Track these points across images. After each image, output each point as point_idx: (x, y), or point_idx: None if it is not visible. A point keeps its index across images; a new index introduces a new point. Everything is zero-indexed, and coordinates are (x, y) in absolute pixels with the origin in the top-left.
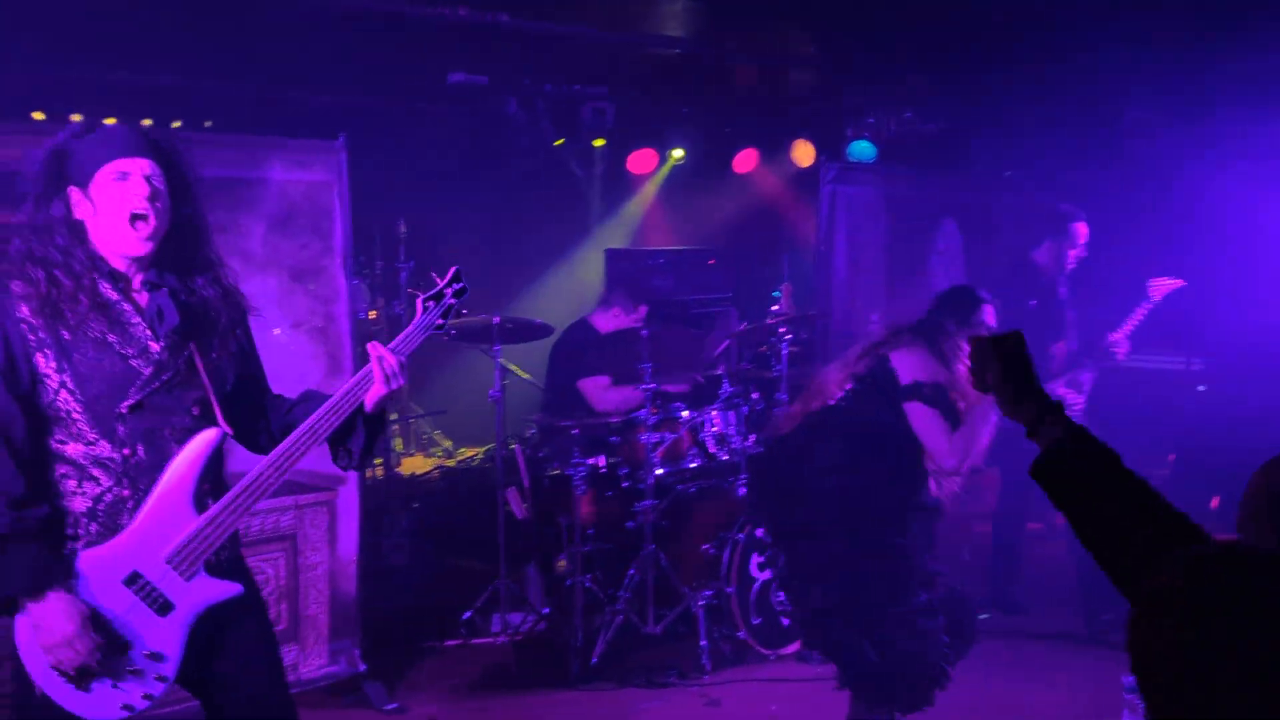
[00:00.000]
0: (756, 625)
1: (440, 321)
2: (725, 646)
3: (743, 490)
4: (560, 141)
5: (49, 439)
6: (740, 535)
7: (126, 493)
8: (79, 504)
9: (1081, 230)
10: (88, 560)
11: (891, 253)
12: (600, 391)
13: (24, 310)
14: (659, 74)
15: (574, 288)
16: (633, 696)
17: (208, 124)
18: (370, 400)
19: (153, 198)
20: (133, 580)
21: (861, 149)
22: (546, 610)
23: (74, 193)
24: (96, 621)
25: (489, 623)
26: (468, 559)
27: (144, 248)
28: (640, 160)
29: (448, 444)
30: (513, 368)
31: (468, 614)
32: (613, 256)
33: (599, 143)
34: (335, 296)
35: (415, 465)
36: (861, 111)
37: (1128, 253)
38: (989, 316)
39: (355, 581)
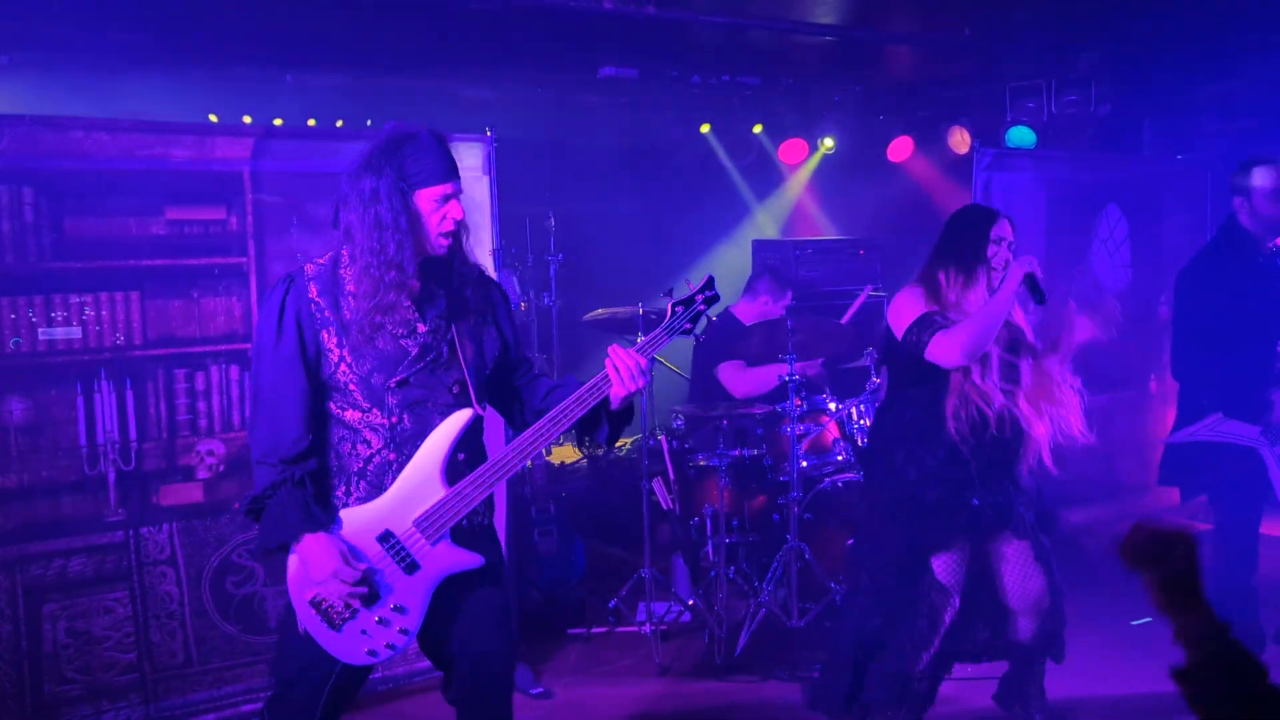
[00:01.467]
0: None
1: (688, 326)
2: None
3: None
4: (706, 127)
5: (329, 404)
6: None
7: (393, 456)
8: (353, 464)
9: (1273, 174)
10: (350, 516)
11: (1051, 240)
12: (734, 373)
13: (313, 290)
14: (810, 62)
15: (723, 278)
16: (776, 689)
17: (369, 122)
18: (614, 397)
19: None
20: (385, 538)
21: (1021, 135)
22: (691, 600)
23: (418, 196)
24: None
25: (634, 611)
26: (614, 548)
27: (441, 252)
28: (791, 150)
29: None
30: (659, 358)
31: (613, 602)
32: (760, 247)
33: (758, 129)
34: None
35: (564, 454)
36: (1021, 95)
37: None
38: (1004, 229)
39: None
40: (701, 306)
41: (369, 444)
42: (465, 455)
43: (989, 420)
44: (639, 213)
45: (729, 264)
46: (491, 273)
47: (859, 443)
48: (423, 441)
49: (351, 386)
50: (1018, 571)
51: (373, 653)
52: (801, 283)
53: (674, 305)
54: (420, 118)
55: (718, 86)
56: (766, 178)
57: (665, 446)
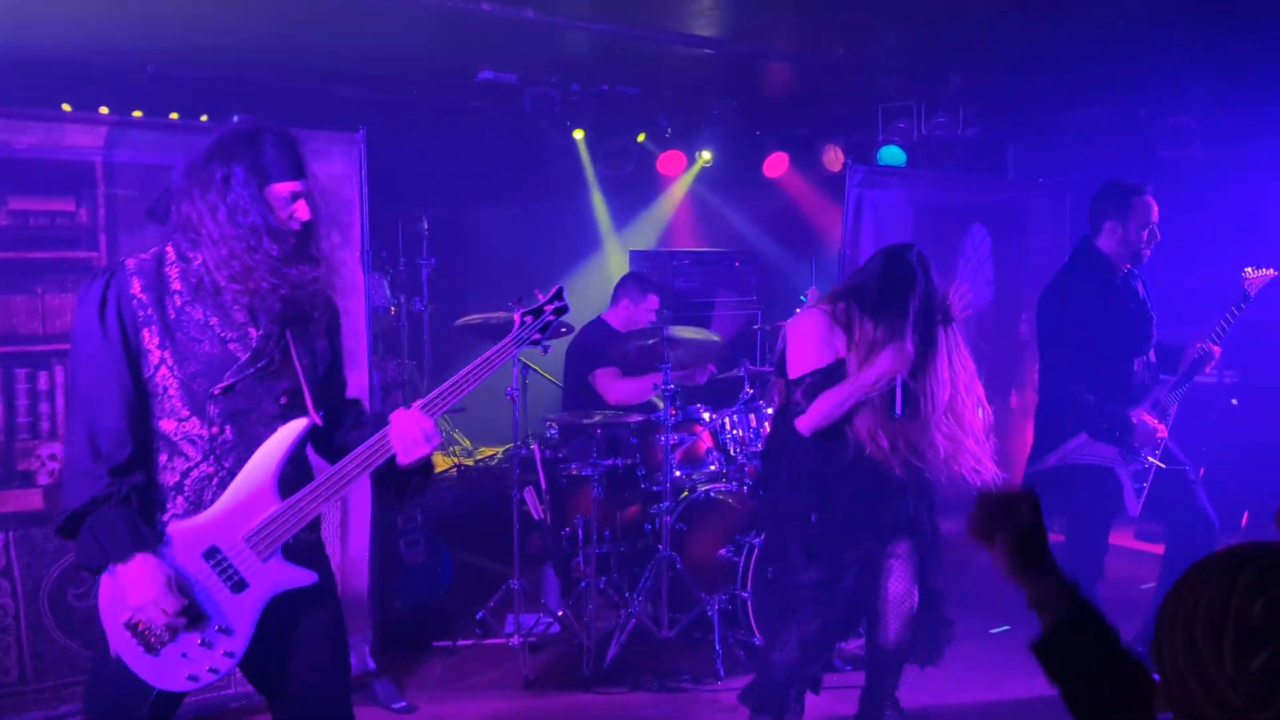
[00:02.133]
0: (763, 642)
1: (537, 337)
2: (739, 652)
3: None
4: (580, 133)
5: (149, 412)
6: (756, 539)
7: (211, 469)
8: (169, 478)
9: (1151, 204)
10: (173, 531)
11: None
12: (609, 381)
13: (135, 286)
14: (689, 75)
15: (600, 287)
16: (645, 700)
17: (235, 118)
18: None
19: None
20: (211, 554)
21: (892, 154)
22: (561, 612)
23: (270, 191)
24: (179, 587)
25: (502, 623)
26: (483, 558)
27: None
28: (669, 162)
29: (466, 443)
30: (533, 366)
31: (481, 614)
32: (637, 257)
33: (642, 137)
34: (352, 290)
35: (434, 462)
36: (893, 116)
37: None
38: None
39: (367, 579)
40: (550, 317)
41: (186, 456)
42: (298, 466)
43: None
44: (516, 219)
45: (608, 273)
46: (359, 275)
47: (731, 453)
48: (244, 454)
49: (171, 391)
50: (904, 579)
51: (194, 677)
52: (678, 293)
53: (523, 315)
54: (292, 115)
55: (597, 95)
56: (645, 188)
57: (538, 455)
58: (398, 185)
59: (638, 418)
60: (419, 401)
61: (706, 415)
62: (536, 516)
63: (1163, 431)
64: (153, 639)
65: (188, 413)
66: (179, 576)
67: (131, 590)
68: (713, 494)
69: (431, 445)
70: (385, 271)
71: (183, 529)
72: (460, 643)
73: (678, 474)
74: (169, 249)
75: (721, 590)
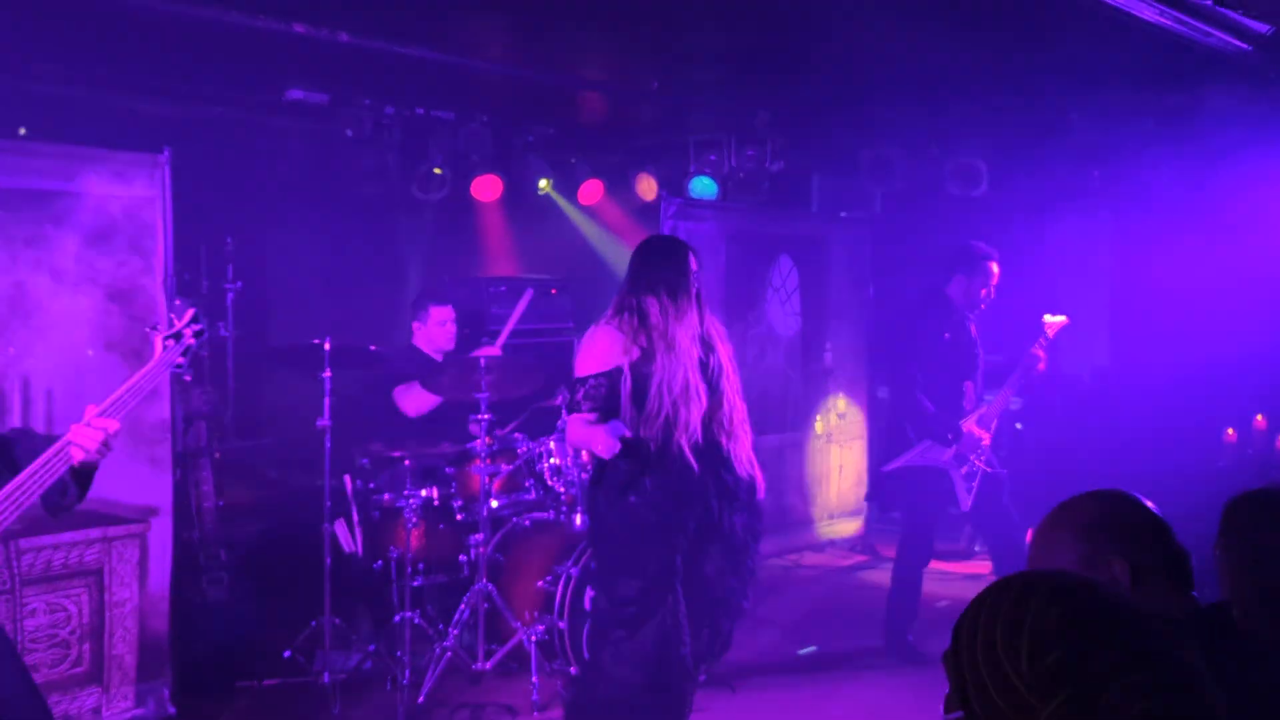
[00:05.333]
0: (589, 661)
1: (181, 361)
2: (558, 682)
3: (579, 523)
4: (438, 170)
5: None
6: (575, 569)
7: None
8: None
9: (994, 269)
10: None
11: (730, 287)
12: (406, 391)
13: None
14: (504, 100)
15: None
16: None
17: (22, 131)
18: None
19: None
20: None
21: (703, 185)
22: (373, 648)
23: None
24: None
25: (311, 661)
26: (291, 595)
27: None
28: (484, 187)
29: (273, 474)
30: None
31: (288, 652)
32: (453, 284)
33: (437, 171)
34: (154, 317)
35: (237, 496)
36: (704, 148)
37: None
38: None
39: (167, 619)
40: (190, 340)
41: None
42: None
43: (683, 444)
44: (326, 243)
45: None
46: (161, 302)
47: (548, 482)
48: None
49: None
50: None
51: None
52: (494, 320)
53: (165, 340)
54: (90, 131)
55: (412, 119)
56: (461, 213)
57: (349, 486)
58: (202, 205)
59: (453, 448)
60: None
61: (522, 447)
62: (347, 550)
63: (986, 440)
64: None
65: None
66: None
67: None
68: (529, 522)
69: (112, 449)
70: (187, 296)
71: None
72: (266, 682)
73: (494, 504)
74: None
75: (539, 621)
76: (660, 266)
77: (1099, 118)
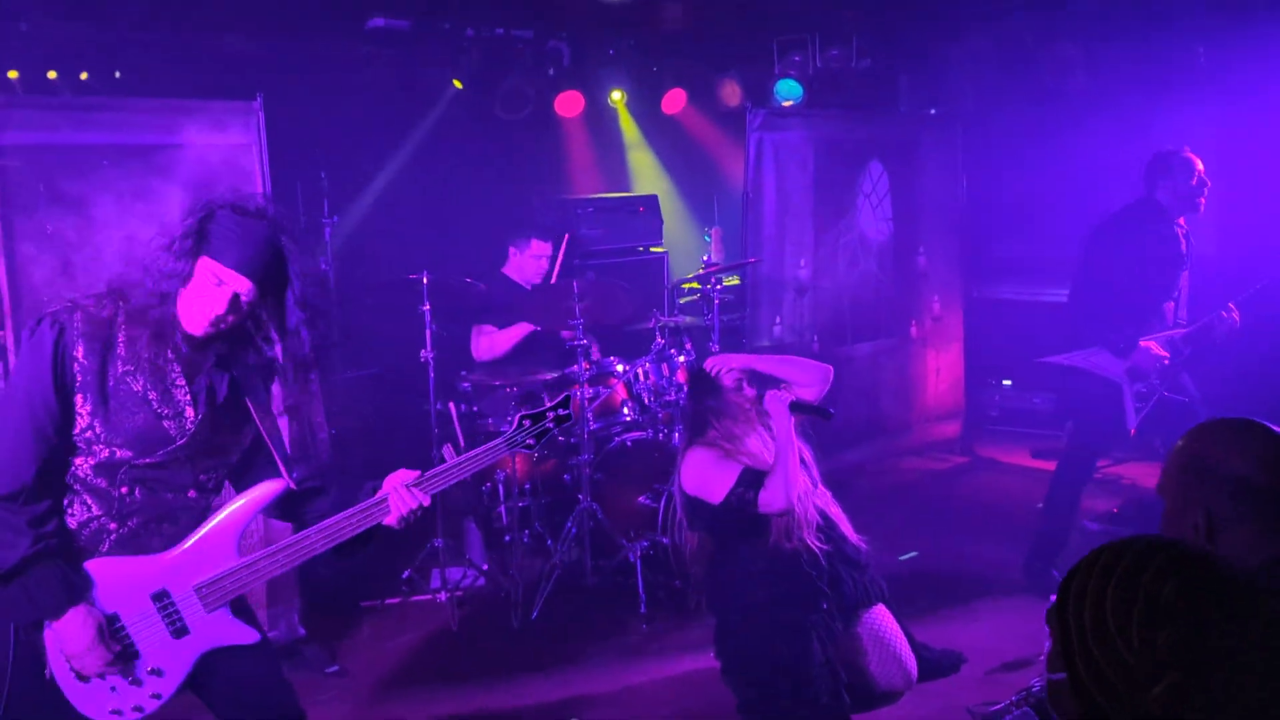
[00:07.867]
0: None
1: (531, 442)
2: (662, 595)
3: (677, 441)
4: (458, 84)
5: (70, 460)
6: (674, 486)
7: (113, 525)
8: (68, 521)
9: (1192, 159)
10: (124, 567)
11: (819, 197)
12: (478, 337)
13: (80, 349)
14: (584, 16)
15: (500, 234)
16: (574, 648)
17: (117, 74)
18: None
19: (233, 309)
20: (160, 597)
21: (788, 87)
22: (486, 566)
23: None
24: (112, 628)
25: (428, 580)
26: None
27: (206, 334)
28: (567, 103)
29: (380, 403)
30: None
31: (407, 573)
32: (542, 206)
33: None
34: None
35: (347, 424)
36: (787, 48)
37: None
38: (719, 360)
39: None
40: (550, 424)
41: (89, 507)
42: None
43: (807, 537)
44: (416, 170)
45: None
46: None
47: (645, 402)
48: (150, 516)
49: (96, 447)
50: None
51: (118, 712)
52: (582, 240)
53: (522, 418)
54: (177, 73)
55: (492, 40)
56: (545, 130)
57: (454, 412)
58: (294, 142)
59: (551, 375)
60: (411, 476)
61: (620, 367)
62: None
63: (1166, 359)
64: (84, 672)
65: (97, 475)
66: (118, 614)
67: (65, 640)
68: (629, 443)
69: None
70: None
71: (138, 565)
72: (388, 602)
73: (594, 426)
74: (123, 306)
75: (643, 537)
76: (698, 399)
77: None
